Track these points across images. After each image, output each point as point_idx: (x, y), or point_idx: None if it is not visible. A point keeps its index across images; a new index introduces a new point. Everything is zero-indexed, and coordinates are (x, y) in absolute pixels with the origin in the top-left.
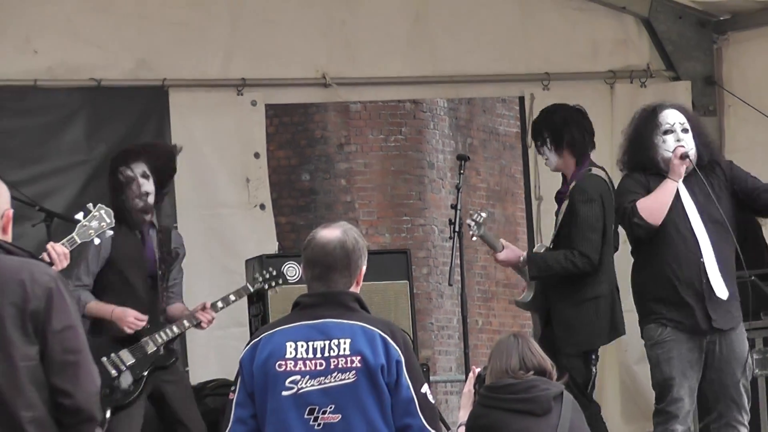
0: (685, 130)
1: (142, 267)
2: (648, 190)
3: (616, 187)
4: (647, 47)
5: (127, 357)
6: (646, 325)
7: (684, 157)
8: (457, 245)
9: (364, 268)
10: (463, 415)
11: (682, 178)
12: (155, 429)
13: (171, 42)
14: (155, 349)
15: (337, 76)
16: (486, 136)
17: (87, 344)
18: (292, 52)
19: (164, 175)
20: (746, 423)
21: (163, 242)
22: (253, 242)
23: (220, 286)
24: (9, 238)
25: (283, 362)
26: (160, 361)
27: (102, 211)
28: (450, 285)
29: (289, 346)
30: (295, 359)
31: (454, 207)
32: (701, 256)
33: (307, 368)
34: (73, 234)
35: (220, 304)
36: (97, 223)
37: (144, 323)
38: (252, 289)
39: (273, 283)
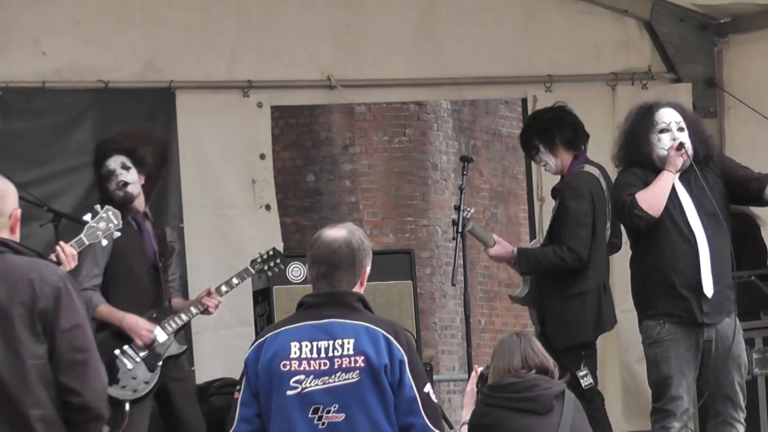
0: (681, 129)
1: (143, 257)
2: (646, 184)
3: (613, 184)
4: (649, 50)
5: (140, 349)
6: (643, 322)
7: (680, 147)
8: (460, 245)
9: (368, 268)
10: (466, 414)
11: (677, 169)
12: (155, 425)
13: (178, 44)
14: (166, 338)
15: (342, 78)
16: (489, 137)
17: (95, 343)
18: (298, 55)
19: (149, 165)
20: (743, 420)
21: (159, 235)
22: (259, 242)
23: None
24: (17, 237)
25: (288, 362)
26: (173, 350)
27: (110, 213)
28: (453, 285)
29: (294, 346)
30: (299, 359)
31: (457, 208)
32: (698, 249)
33: (312, 368)
34: (81, 235)
35: (224, 288)
36: (104, 224)
37: (153, 335)
38: (253, 271)
39: (272, 263)
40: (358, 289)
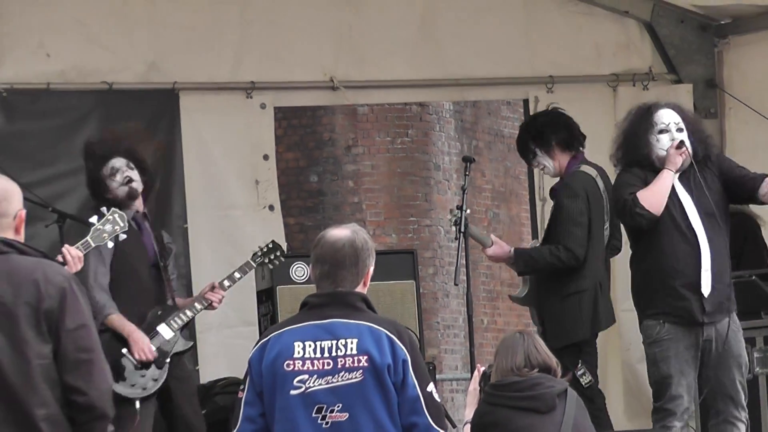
0: (680, 129)
1: (144, 256)
2: (646, 184)
3: (613, 184)
4: (649, 51)
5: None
6: (643, 322)
7: (681, 146)
8: (463, 245)
9: (371, 268)
10: (469, 413)
11: (678, 168)
12: (155, 424)
13: (181, 45)
14: (172, 335)
15: (345, 79)
16: (491, 138)
17: (99, 343)
18: (301, 56)
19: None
20: (744, 419)
21: (157, 236)
22: (262, 243)
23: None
24: (22, 238)
25: (291, 362)
26: (180, 347)
27: (116, 215)
28: (456, 285)
29: (297, 346)
30: (303, 359)
31: (459, 208)
32: (698, 249)
33: (315, 368)
34: (88, 237)
35: (227, 283)
36: (110, 226)
37: (153, 356)
38: (254, 264)
39: (272, 256)
40: (361, 289)
